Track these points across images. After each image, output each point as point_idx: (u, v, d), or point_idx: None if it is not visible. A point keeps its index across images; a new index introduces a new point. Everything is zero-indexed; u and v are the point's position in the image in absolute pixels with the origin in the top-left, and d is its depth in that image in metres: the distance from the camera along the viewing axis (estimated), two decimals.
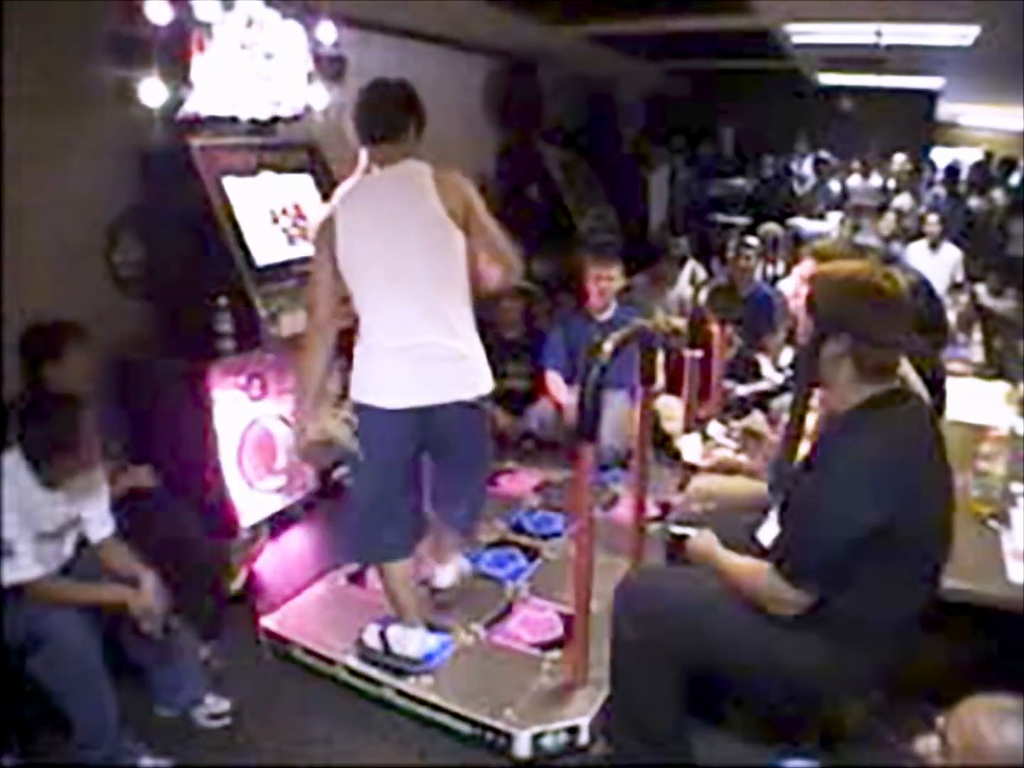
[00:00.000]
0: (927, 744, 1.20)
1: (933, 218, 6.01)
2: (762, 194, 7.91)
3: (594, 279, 3.77)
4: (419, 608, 2.40)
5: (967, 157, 8.41)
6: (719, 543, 1.83)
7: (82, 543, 2.16)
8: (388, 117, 2.12)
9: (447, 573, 2.58)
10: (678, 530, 2.08)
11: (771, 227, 5.66)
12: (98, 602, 2.04)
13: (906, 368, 2.16)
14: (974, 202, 7.06)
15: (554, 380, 3.77)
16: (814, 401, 2.07)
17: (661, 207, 7.54)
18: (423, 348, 2.09)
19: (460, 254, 2.13)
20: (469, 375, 2.20)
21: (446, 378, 2.14)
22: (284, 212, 3.15)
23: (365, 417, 2.14)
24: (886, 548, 1.53)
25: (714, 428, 3.49)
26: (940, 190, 7.34)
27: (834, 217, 7.16)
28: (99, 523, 2.16)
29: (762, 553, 1.74)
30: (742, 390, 3.90)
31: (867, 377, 1.61)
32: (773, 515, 1.82)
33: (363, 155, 2.19)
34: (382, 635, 2.37)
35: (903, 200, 7.16)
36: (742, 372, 4.17)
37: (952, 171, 7.52)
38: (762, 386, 3.93)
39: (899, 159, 7.70)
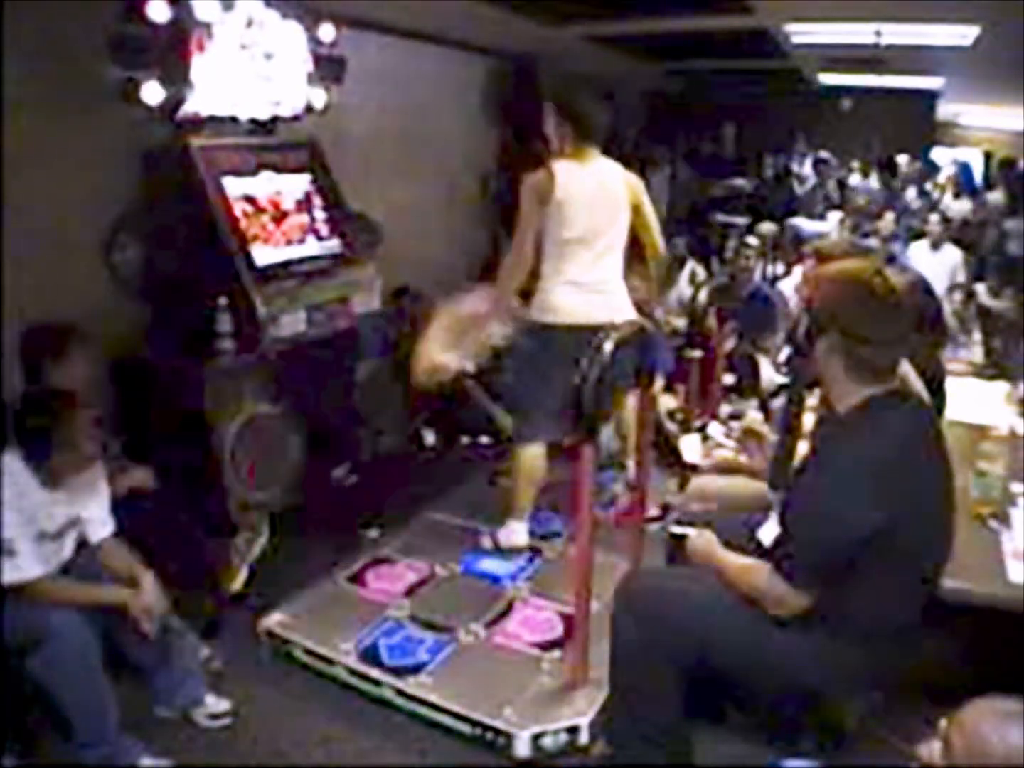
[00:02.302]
0: (930, 748, 1.20)
1: (934, 218, 6.01)
2: (762, 194, 7.91)
3: None
4: (529, 508, 2.97)
5: (970, 157, 8.43)
6: (719, 543, 1.83)
7: (82, 543, 2.16)
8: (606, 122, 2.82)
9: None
10: (678, 530, 2.08)
11: (771, 227, 5.66)
12: (98, 602, 2.03)
13: (906, 368, 2.16)
14: (966, 203, 7.06)
15: None
16: (812, 401, 2.08)
17: (661, 207, 7.53)
18: (597, 285, 2.80)
19: (626, 230, 2.89)
20: (623, 305, 2.88)
21: (610, 304, 2.80)
22: (283, 212, 3.15)
23: (543, 333, 2.77)
24: (886, 549, 1.53)
25: (714, 428, 3.50)
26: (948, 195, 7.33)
27: (834, 217, 7.16)
28: (99, 523, 2.16)
29: (762, 553, 1.74)
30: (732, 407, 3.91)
31: (864, 377, 1.60)
32: (774, 515, 1.82)
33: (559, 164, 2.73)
34: (492, 536, 2.99)
35: (910, 199, 7.16)
36: (743, 372, 4.17)
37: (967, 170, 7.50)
38: (750, 406, 3.94)
39: (902, 159, 7.70)
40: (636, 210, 2.88)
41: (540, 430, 2.86)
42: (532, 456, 2.89)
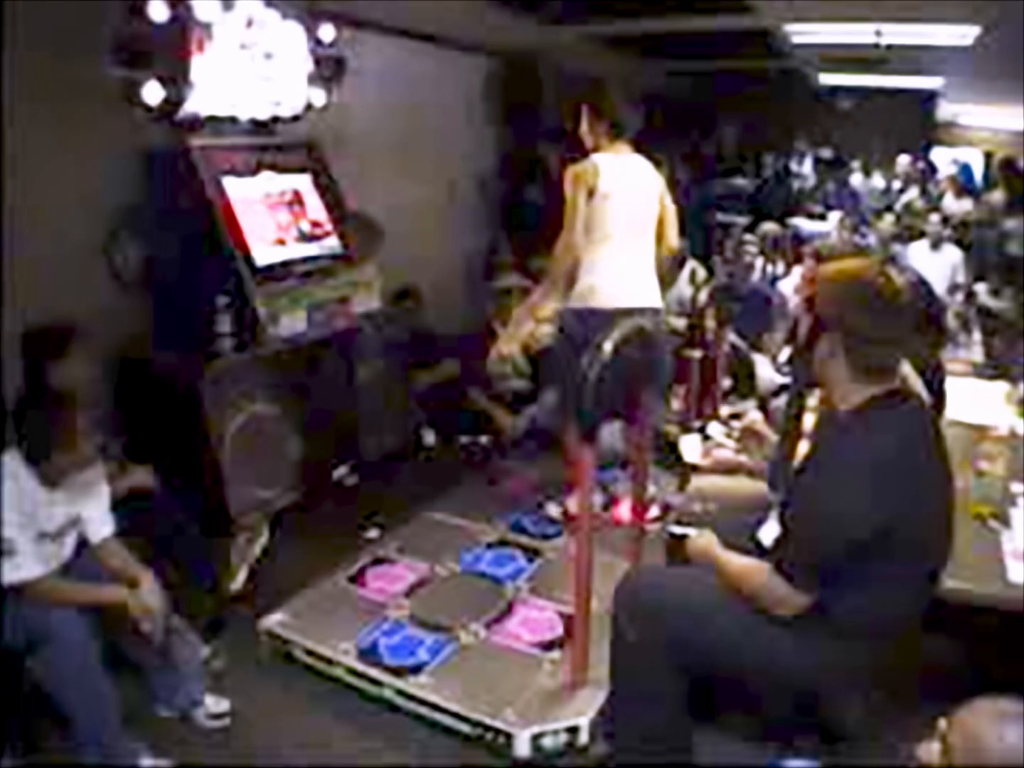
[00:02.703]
0: (929, 748, 1.20)
1: (935, 218, 6.01)
2: (762, 194, 7.91)
3: None
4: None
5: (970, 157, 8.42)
6: (719, 543, 1.83)
7: (82, 543, 2.16)
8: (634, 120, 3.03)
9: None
10: (677, 530, 2.08)
11: (771, 227, 5.66)
12: (97, 602, 2.03)
13: (906, 368, 2.16)
14: (967, 203, 7.05)
15: None
16: (812, 401, 2.07)
17: None
18: (637, 272, 2.95)
19: (654, 222, 3.02)
20: (656, 292, 3.04)
21: (647, 290, 2.97)
22: (284, 213, 3.15)
23: (587, 317, 2.84)
24: (886, 549, 1.53)
25: (714, 428, 3.49)
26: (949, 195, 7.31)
27: (834, 217, 7.16)
28: (99, 523, 2.16)
29: (762, 553, 1.74)
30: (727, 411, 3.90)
31: (865, 377, 1.60)
32: (774, 515, 1.82)
33: (599, 159, 2.87)
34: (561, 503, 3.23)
35: (910, 199, 7.16)
36: (738, 372, 4.17)
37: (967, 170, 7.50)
38: (750, 406, 3.94)
39: (904, 160, 7.70)
40: (660, 203, 3.02)
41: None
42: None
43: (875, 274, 1.63)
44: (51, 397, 2.10)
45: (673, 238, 3.11)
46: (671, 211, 3.07)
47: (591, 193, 2.81)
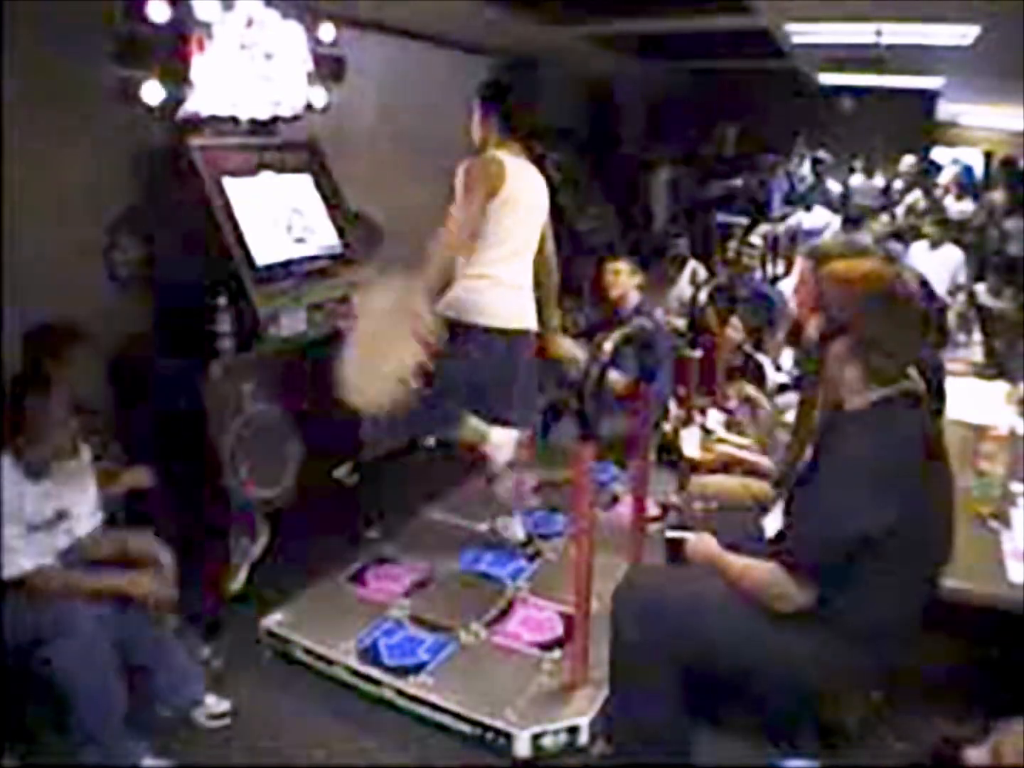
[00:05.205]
0: (978, 753, 1.19)
1: (935, 218, 6.00)
2: (761, 194, 7.90)
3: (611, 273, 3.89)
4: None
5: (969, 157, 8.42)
6: (719, 544, 1.83)
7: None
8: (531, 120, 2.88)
9: (519, 525, 3.08)
10: (674, 534, 2.07)
11: (771, 227, 5.66)
12: (97, 590, 2.04)
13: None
14: (968, 204, 7.06)
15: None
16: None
17: (661, 207, 7.53)
18: (524, 290, 2.75)
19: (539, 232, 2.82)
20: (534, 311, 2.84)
21: (531, 311, 2.80)
22: (284, 212, 3.15)
23: (473, 334, 2.65)
24: (888, 548, 1.53)
25: (713, 420, 3.47)
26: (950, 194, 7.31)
27: (826, 214, 7.15)
28: (88, 515, 2.17)
29: (763, 553, 1.74)
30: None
31: (876, 379, 1.60)
32: (779, 505, 1.82)
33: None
34: (492, 521, 3.06)
35: (913, 199, 7.15)
36: (750, 374, 4.16)
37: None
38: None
39: (907, 160, 7.69)
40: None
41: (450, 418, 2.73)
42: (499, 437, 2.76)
43: (892, 277, 1.62)
44: (19, 382, 2.10)
45: (548, 246, 2.90)
46: (547, 223, 2.89)
47: (491, 194, 2.57)
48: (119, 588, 2.06)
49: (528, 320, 2.79)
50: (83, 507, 2.16)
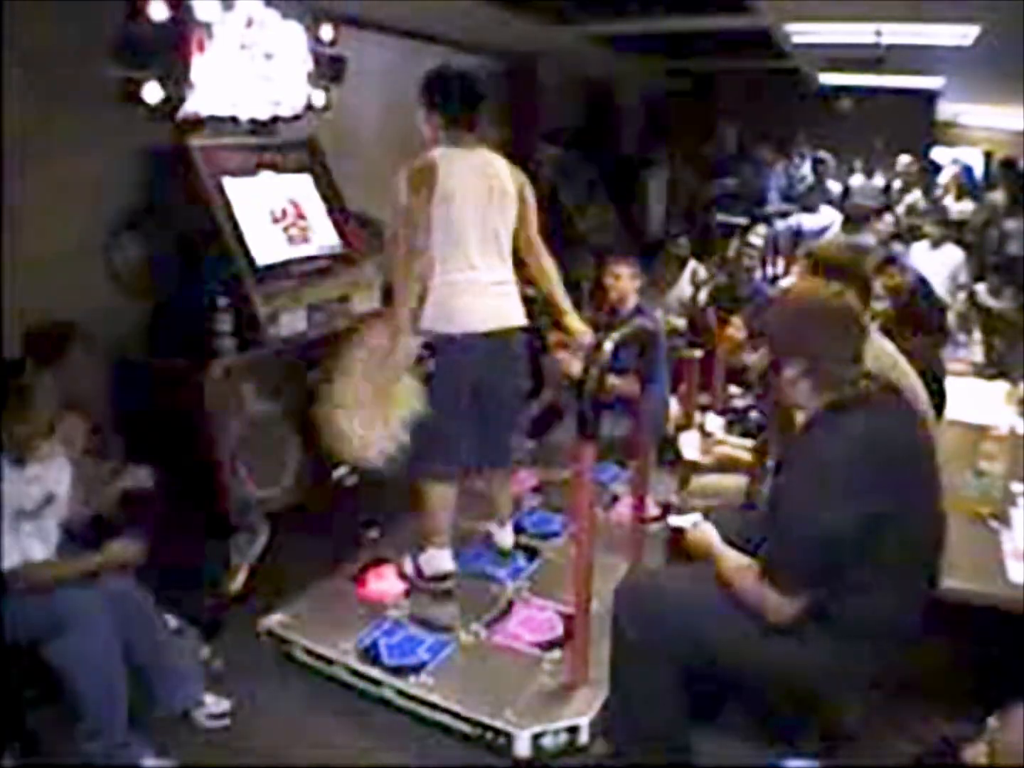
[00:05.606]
0: (976, 750, 1.19)
1: (936, 218, 6.00)
2: (761, 194, 7.90)
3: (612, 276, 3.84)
4: (448, 533, 2.71)
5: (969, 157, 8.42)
6: (718, 536, 1.83)
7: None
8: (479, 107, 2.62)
9: (507, 534, 2.95)
10: (677, 520, 2.07)
11: (771, 227, 5.66)
12: (89, 570, 2.05)
13: (905, 368, 2.16)
14: (968, 204, 7.05)
15: None
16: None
17: (661, 207, 7.53)
18: (497, 286, 2.59)
19: (512, 220, 2.66)
20: (519, 307, 2.69)
21: (508, 306, 2.64)
22: (284, 213, 3.15)
23: (446, 345, 2.52)
24: (873, 546, 1.54)
25: (712, 423, 3.47)
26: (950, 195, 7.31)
27: (830, 213, 7.15)
28: (69, 497, 2.18)
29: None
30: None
31: (825, 384, 1.64)
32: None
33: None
34: (414, 560, 2.73)
35: (913, 199, 7.15)
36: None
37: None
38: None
39: (904, 160, 7.69)
40: (519, 199, 2.65)
41: (439, 460, 2.60)
42: (440, 490, 2.65)
43: (824, 293, 1.68)
44: (5, 372, 2.11)
45: (532, 232, 2.73)
46: (532, 211, 2.71)
47: (428, 197, 2.45)
48: (99, 565, 2.08)
49: (508, 317, 2.62)
50: (64, 487, 2.16)
